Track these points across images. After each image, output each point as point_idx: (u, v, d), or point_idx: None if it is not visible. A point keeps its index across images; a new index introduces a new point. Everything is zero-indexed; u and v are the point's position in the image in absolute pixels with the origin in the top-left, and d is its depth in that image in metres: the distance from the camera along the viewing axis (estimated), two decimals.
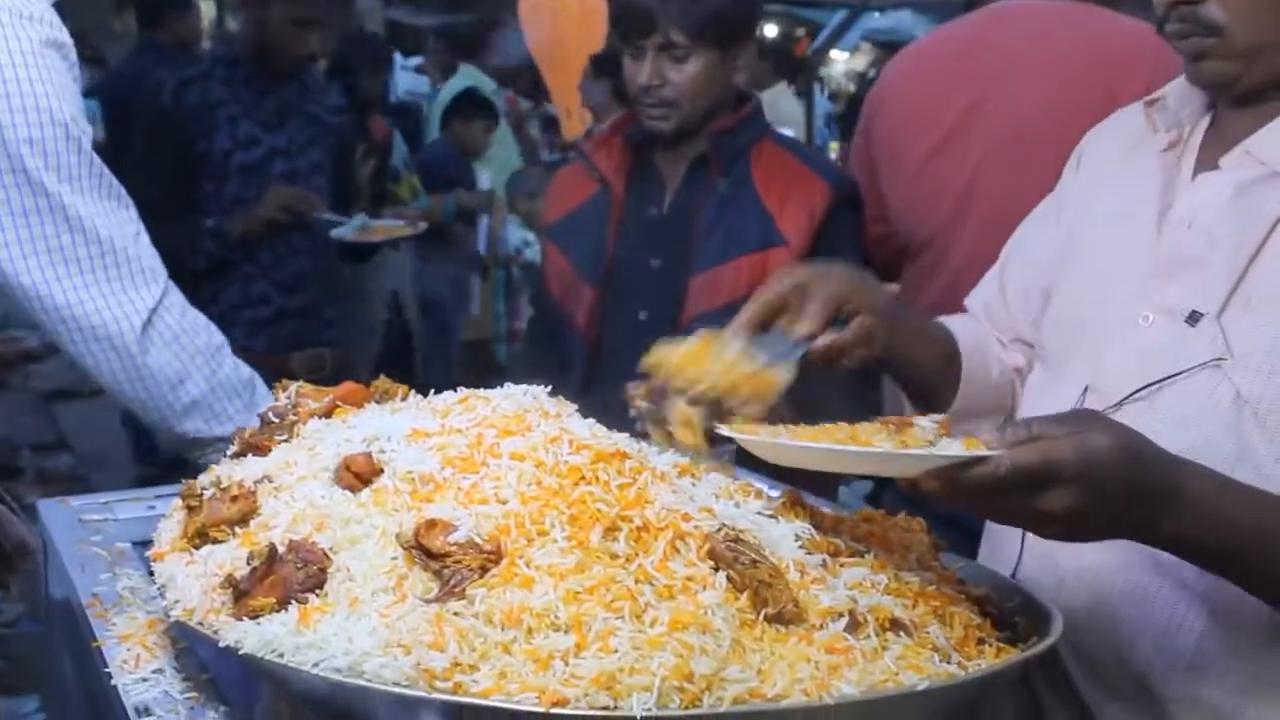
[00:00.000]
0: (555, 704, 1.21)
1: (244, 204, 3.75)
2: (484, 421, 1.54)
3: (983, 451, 1.34)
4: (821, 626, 1.36)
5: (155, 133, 3.86)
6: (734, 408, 1.63)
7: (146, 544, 1.81)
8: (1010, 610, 1.64)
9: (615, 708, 1.22)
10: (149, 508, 1.93)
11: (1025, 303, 1.95)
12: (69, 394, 6.33)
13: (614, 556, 1.35)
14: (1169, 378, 1.62)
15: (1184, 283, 1.66)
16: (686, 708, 1.23)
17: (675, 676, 1.23)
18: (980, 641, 1.50)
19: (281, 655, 1.30)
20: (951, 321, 2.02)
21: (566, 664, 1.25)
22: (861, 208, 2.85)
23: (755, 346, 1.69)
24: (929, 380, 1.92)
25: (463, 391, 1.66)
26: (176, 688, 1.45)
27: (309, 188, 3.85)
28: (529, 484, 1.42)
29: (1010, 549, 1.78)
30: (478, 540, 1.34)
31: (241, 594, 1.37)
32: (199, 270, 3.68)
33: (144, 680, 1.45)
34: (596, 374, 2.68)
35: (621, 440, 1.53)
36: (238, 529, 1.49)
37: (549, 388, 1.66)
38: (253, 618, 1.35)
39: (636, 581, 1.33)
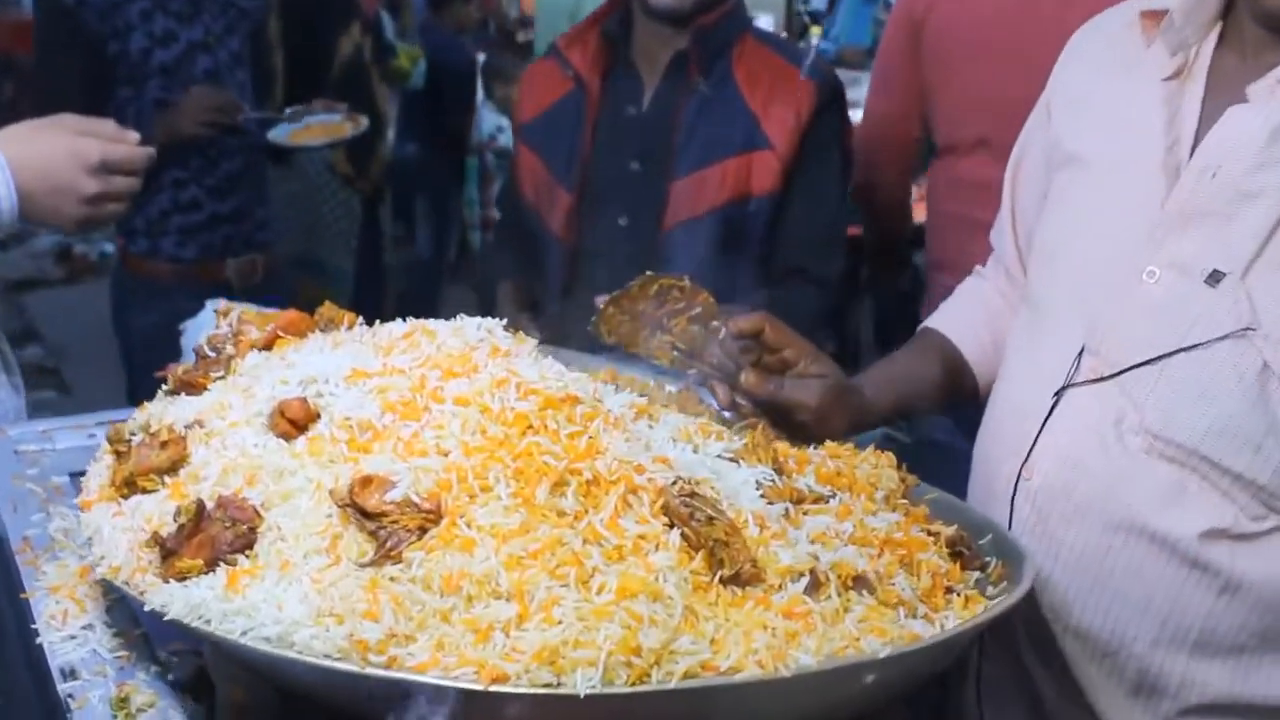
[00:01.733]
0: (494, 680, 1.14)
1: (166, 107, 3.49)
2: (428, 361, 1.44)
3: None
4: (781, 587, 1.28)
5: (60, 39, 3.55)
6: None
7: (83, 474, 1.73)
8: (982, 549, 1.57)
9: (558, 684, 1.14)
10: (89, 436, 1.84)
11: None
12: (36, 283, 6.19)
13: (561, 514, 1.26)
14: (1185, 349, 1.47)
15: (1202, 237, 1.48)
16: (634, 684, 1.15)
17: (622, 650, 1.15)
18: (948, 590, 1.43)
19: (209, 622, 1.22)
20: (949, 316, 1.91)
21: (508, 635, 1.16)
22: (845, 108, 2.71)
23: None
24: (934, 407, 1.88)
25: (409, 323, 1.56)
26: (106, 645, 1.37)
27: (232, 82, 3.60)
28: (473, 433, 1.33)
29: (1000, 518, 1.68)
30: (416, 499, 1.25)
31: (169, 553, 1.28)
32: None
33: (72, 638, 1.37)
34: (575, 282, 2.57)
35: (576, 383, 1.43)
36: (167, 478, 1.39)
37: (512, 319, 1.56)
38: (180, 579, 1.27)
39: (585, 542, 1.24)
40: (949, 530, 1.55)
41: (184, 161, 3.55)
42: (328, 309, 1.68)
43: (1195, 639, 1.52)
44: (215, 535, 1.27)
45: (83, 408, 2.07)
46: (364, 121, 3.84)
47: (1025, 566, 1.46)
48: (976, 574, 1.53)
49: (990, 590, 1.49)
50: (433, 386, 1.39)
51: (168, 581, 1.27)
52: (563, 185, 2.64)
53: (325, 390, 1.41)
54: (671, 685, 1.16)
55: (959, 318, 1.92)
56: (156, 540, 1.29)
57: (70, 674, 1.32)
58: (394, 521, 1.24)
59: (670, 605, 1.20)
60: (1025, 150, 1.84)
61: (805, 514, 1.42)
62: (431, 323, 1.55)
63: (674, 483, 1.31)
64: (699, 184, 2.55)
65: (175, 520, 1.30)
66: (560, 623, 1.16)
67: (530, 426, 1.34)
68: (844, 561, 1.33)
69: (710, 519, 1.29)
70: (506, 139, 4.81)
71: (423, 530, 1.24)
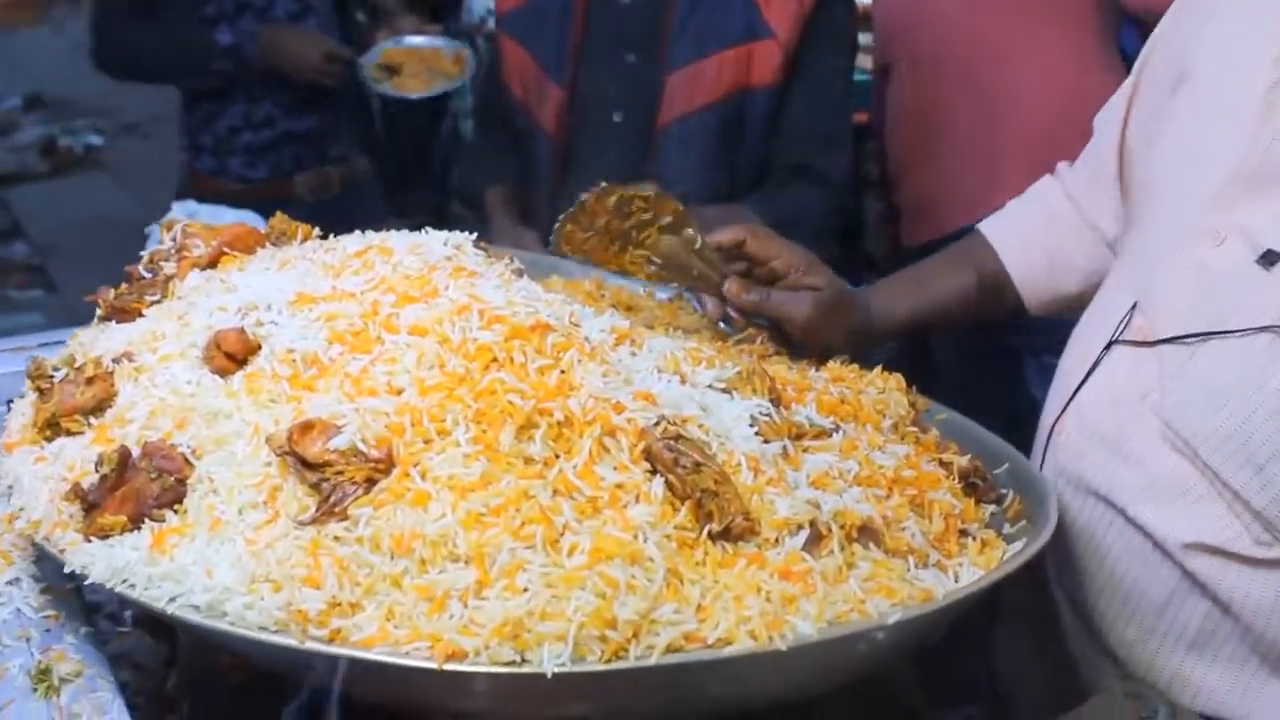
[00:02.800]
0: (450, 657, 0.99)
1: (252, 11, 3.15)
2: (382, 284, 1.27)
3: None
4: (777, 542, 1.13)
5: None
6: None
7: None
8: (998, 479, 1.42)
9: (522, 661, 1.00)
10: (29, 360, 1.67)
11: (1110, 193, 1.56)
12: (20, 177, 5.97)
13: (528, 462, 1.11)
14: (1220, 333, 1.26)
15: (1276, 205, 1.26)
16: (608, 660, 1.01)
17: (595, 623, 1.00)
18: (962, 533, 1.28)
19: (134, 587, 1.08)
20: (1009, 227, 1.68)
21: (465, 605, 1.02)
22: None
23: None
24: (956, 323, 1.70)
25: (365, 238, 1.39)
26: (33, 603, 1.23)
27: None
28: (429, 368, 1.16)
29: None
30: (363, 447, 1.10)
31: (90, 507, 1.13)
32: (202, 92, 3.20)
33: None
34: (567, 184, 2.38)
35: (549, 306, 1.26)
36: (93, 419, 1.24)
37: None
38: (102, 537, 1.12)
39: (555, 494, 1.09)
40: (962, 460, 1.40)
41: (263, 77, 3.22)
42: (279, 220, 1.51)
43: (1192, 639, 1.33)
44: (141, 487, 1.12)
45: (71, 308, 1.92)
46: (467, 57, 3.54)
47: (1048, 505, 1.31)
48: (992, 508, 1.38)
49: (1007, 529, 1.34)
50: (386, 314, 1.22)
51: (89, 539, 1.12)
52: (552, 79, 2.43)
53: (267, 318, 1.24)
54: (651, 662, 1.01)
55: (1014, 223, 1.70)
56: (77, 492, 1.14)
57: None
58: (338, 473, 1.08)
59: (651, 569, 1.05)
60: (1152, 51, 1.54)
61: (805, 452, 1.26)
62: (391, 237, 1.38)
63: (657, 423, 1.15)
64: (696, 76, 2.34)
65: (97, 470, 1.14)
66: (525, 591, 1.02)
67: (494, 360, 1.17)
68: (848, 509, 1.18)
69: (698, 465, 1.13)
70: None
71: (371, 482, 1.08)
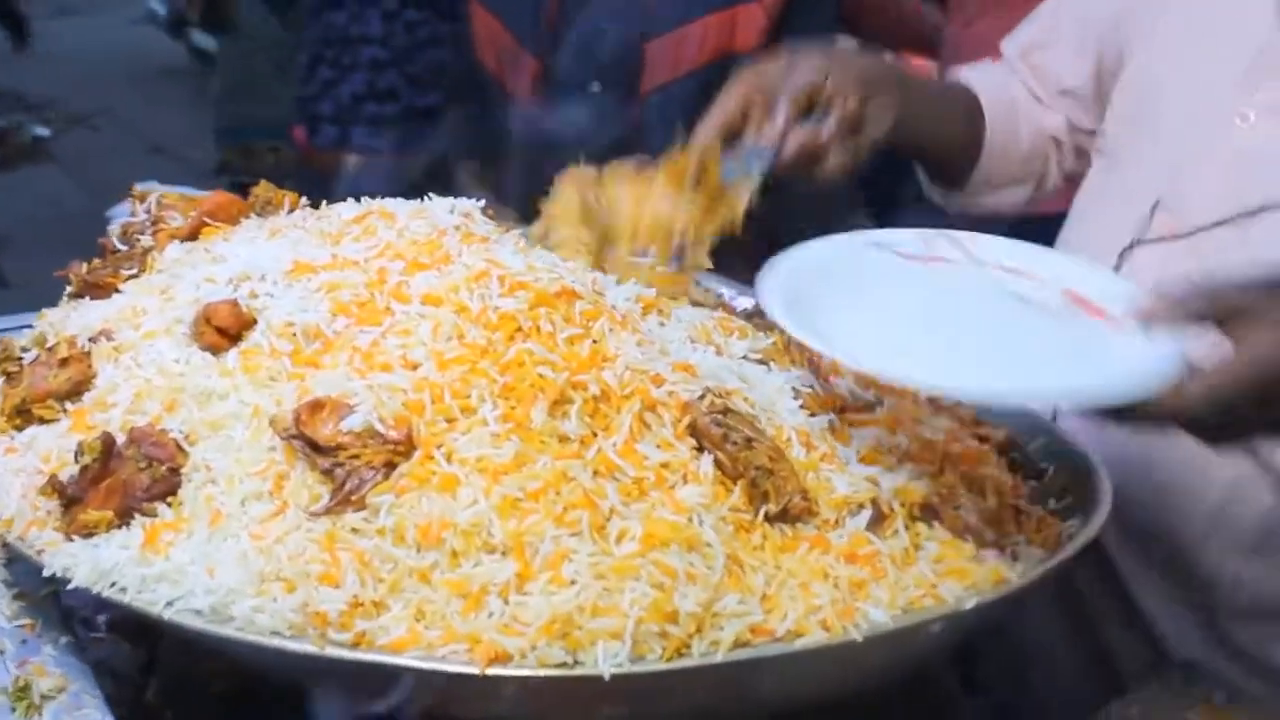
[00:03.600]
0: (493, 661, 0.87)
1: None
2: (387, 250, 1.14)
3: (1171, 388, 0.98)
4: (838, 523, 1.01)
5: None
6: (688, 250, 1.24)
7: None
8: (1033, 453, 1.31)
9: (575, 663, 0.88)
10: None
11: (1079, 52, 1.48)
12: None
13: (564, 440, 0.98)
14: (1271, 207, 1.21)
15: None
16: (670, 658, 0.89)
17: (654, 617, 0.88)
18: (1016, 511, 1.17)
19: (124, 590, 0.94)
20: (977, 74, 1.57)
21: (506, 602, 0.89)
22: None
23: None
24: (945, 154, 1.49)
25: (363, 205, 1.25)
26: (6, 611, 1.09)
27: None
28: (447, 340, 1.03)
29: None
30: (380, 428, 0.97)
31: (71, 502, 1.00)
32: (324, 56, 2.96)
33: None
34: (544, 157, 2.26)
35: (571, 273, 1.14)
36: (68, 405, 1.10)
37: (481, 198, 1.25)
38: (86, 535, 0.98)
39: (596, 476, 0.97)
40: (998, 434, 1.29)
41: (385, 39, 2.97)
42: (264, 188, 1.37)
43: (1252, 540, 1.29)
44: (128, 479, 0.98)
45: (28, 305, 1.76)
46: None
47: (1098, 483, 1.19)
48: (1033, 483, 1.28)
49: (1052, 504, 1.24)
50: (395, 282, 1.09)
51: (71, 538, 0.98)
52: (527, 49, 2.31)
53: (261, 290, 1.11)
54: (718, 658, 0.89)
55: (985, 74, 1.58)
56: (55, 486, 1.00)
57: None
58: (353, 457, 0.95)
59: (710, 555, 0.93)
60: None
61: (851, 426, 1.15)
62: (390, 203, 1.25)
63: (702, 396, 1.03)
64: (678, 43, 2.23)
65: (77, 460, 1.01)
66: (573, 583, 0.89)
67: (519, 330, 1.04)
68: (908, 487, 1.06)
69: (749, 441, 1.01)
70: None
71: (390, 467, 0.95)
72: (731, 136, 1.30)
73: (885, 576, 0.97)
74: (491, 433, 0.97)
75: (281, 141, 3.82)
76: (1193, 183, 1.30)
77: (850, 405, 1.18)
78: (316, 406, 0.97)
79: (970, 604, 0.98)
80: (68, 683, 1.01)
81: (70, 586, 0.96)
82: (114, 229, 1.35)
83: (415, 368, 1.01)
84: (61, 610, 1.11)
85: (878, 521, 1.03)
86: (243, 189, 1.37)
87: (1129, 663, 1.35)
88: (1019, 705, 1.43)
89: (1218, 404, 0.97)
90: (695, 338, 1.16)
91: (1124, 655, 1.36)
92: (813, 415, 1.11)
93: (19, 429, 1.11)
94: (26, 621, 1.08)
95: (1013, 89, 1.55)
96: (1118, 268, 1.33)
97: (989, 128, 1.50)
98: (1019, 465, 1.29)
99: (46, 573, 0.97)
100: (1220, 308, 0.99)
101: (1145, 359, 1.00)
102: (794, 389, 1.13)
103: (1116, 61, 1.43)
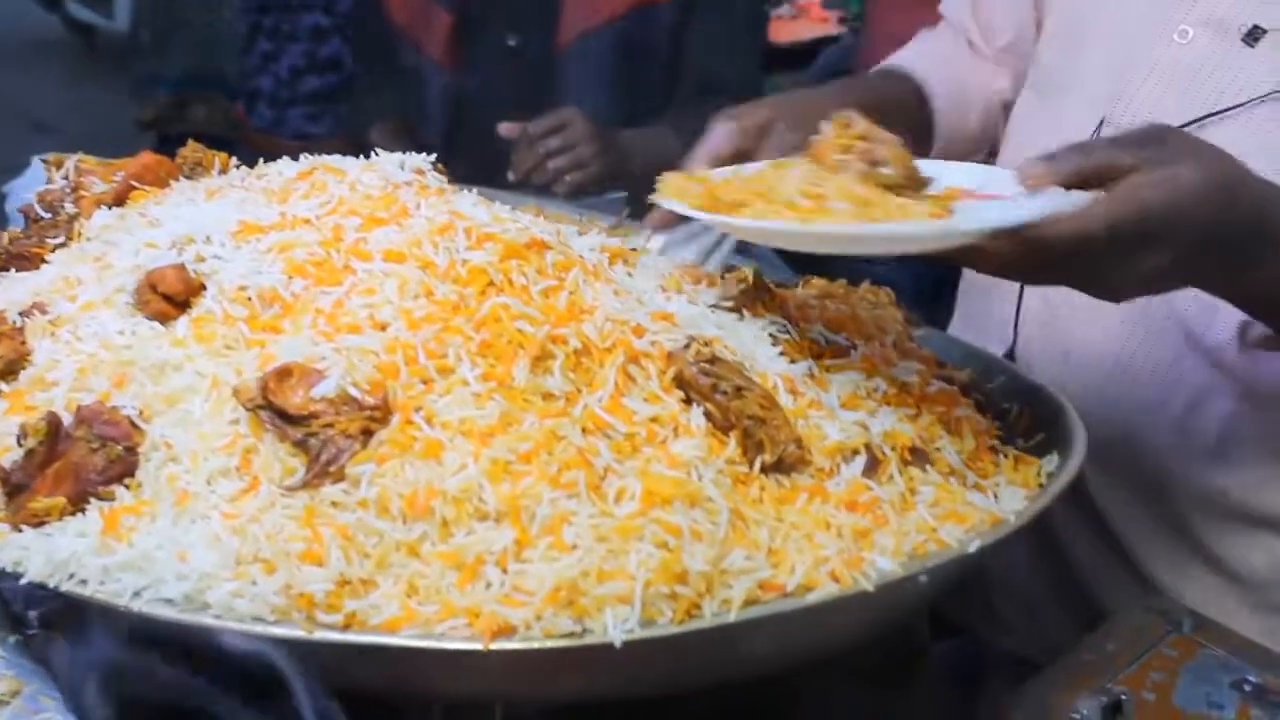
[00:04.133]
0: (498, 634, 0.81)
1: None
2: (341, 206, 1.06)
3: (1068, 204, 0.94)
4: (831, 471, 0.97)
5: None
6: None
7: None
8: (995, 393, 1.29)
9: (583, 632, 0.82)
10: None
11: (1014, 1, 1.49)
12: None
13: (548, 397, 0.93)
14: (1218, 113, 1.22)
15: None
16: (682, 621, 0.84)
17: (663, 578, 0.83)
18: (993, 451, 1.15)
19: (85, 582, 0.86)
20: (918, 55, 1.53)
21: (505, 571, 0.84)
22: None
23: (683, 239, 1.21)
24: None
25: (306, 161, 1.17)
26: None
27: None
28: (415, 297, 0.96)
29: (1002, 314, 1.40)
30: (355, 393, 0.90)
31: (16, 489, 0.91)
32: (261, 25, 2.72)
33: None
34: (462, 115, 2.16)
35: (534, 223, 1.07)
36: (3, 384, 1.00)
37: (429, 155, 1.18)
38: (36, 525, 0.90)
39: (584, 433, 0.91)
40: (961, 375, 1.26)
41: (328, 4, 2.69)
42: (191, 149, 1.28)
43: (1211, 448, 1.30)
44: (80, 461, 0.90)
45: None
46: None
47: (1069, 419, 1.17)
48: (999, 423, 1.25)
49: (1020, 442, 1.21)
50: (352, 239, 1.02)
51: (19, 529, 0.90)
52: (439, 3, 2.21)
53: (208, 252, 1.02)
54: (731, 618, 0.84)
55: (927, 52, 1.56)
56: None
57: None
58: (327, 425, 0.88)
59: (713, 510, 0.88)
60: None
61: (829, 371, 1.11)
62: (336, 159, 1.17)
63: (686, 345, 0.98)
64: None
65: (20, 444, 0.92)
66: (575, 547, 0.84)
67: (490, 283, 0.98)
68: (896, 430, 1.03)
69: (739, 389, 0.96)
70: None
71: (367, 434, 0.89)
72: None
73: (887, 524, 0.94)
74: (473, 392, 0.90)
75: (215, 93, 3.61)
76: (1136, 101, 1.30)
77: (825, 350, 1.13)
78: (284, 374, 0.90)
79: (974, 547, 0.95)
80: (21, 685, 0.93)
81: (23, 580, 0.87)
82: (30, 197, 1.25)
83: (384, 328, 0.94)
84: (5, 606, 1.02)
85: (872, 468, 0.99)
86: (172, 146, 1.28)
87: (1104, 589, 1.34)
88: (991, 643, 1.42)
89: (1094, 235, 0.93)
90: (666, 286, 1.11)
91: (1099, 581, 1.35)
92: (792, 362, 1.07)
93: None
94: None
95: (959, 63, 1.51)
96: None
97: (937, 115, 1.47)
98: (983, 406, 1.26)
99: None
100: (1097, 160, 0.95)
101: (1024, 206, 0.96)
102: (771, 335, 1.09)
103: None
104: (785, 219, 0.96)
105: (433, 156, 1.16)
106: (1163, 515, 1.32)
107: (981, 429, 1.14)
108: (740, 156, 1.21)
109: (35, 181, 2.09)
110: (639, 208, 1.50)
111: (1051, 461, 1.12)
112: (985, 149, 1.51)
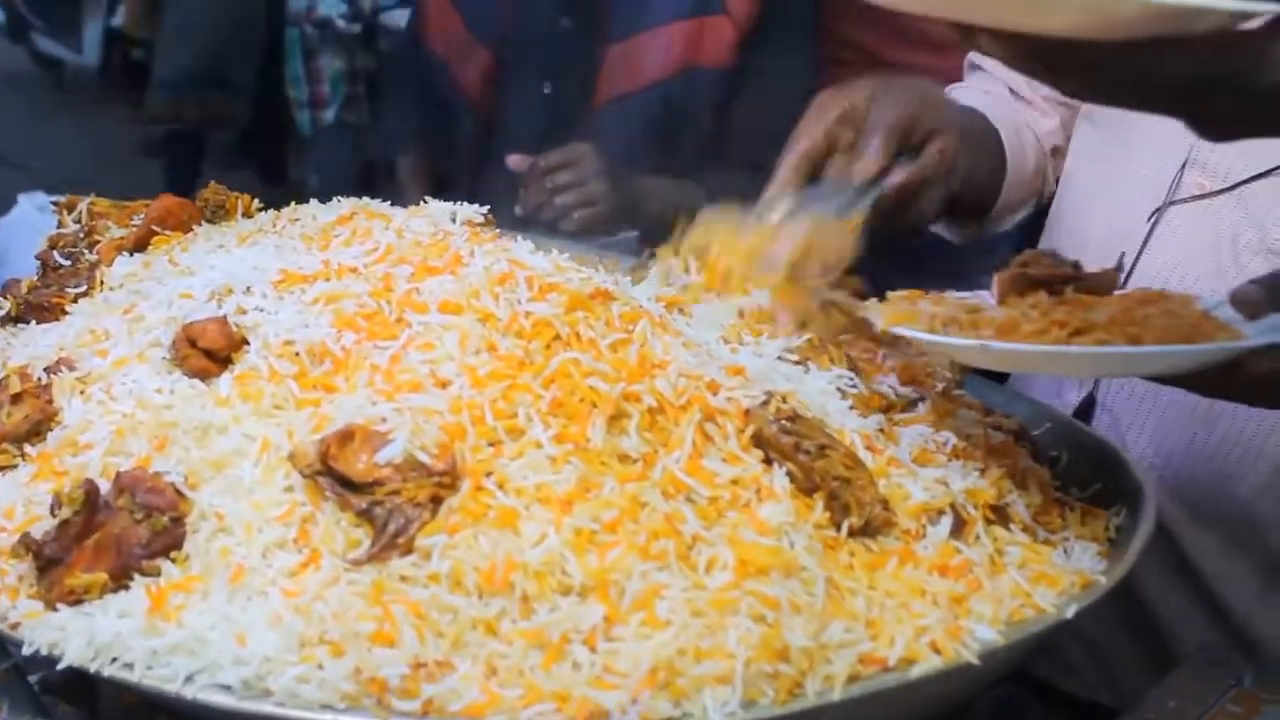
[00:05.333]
0: (589, 719, 0.74)
1: None
2: (389, 254, 0.99)
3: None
4: (918, 533, 0.91)
5: None
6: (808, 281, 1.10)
7: None
8: (1042, 440, 1.23)
9: (682, 717, 0.75)
10: None
11: None
12: None
13: (624, 459, 0.86)
14: None
15: None
16: (785, 702, 0.77)
17: (764, 656, 0.77)
18: (1057, 503, 1.09)
19: (131, 666, 0.78)
20: (975, 95, 1.45)
21: (594, 650, 0.77)
22: None
23: (806, 204, 1.15)
24: (982, 189, 1.37)
25: (346, 204, 1.10)
26: None
27: None
28: (478, 352, 0.90)
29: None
30: (422, 457, 0.83)
31: (50, 563, 0.83)
32: None
33: None
34: (489, 157, 2.08)
35: (594, 272, 1.01)
36: (28, 448, 0.92)
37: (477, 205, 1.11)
38: (73, 602, 0.82)
39: (666, 498, 0.84)
40: (1010, 423, 1.20)
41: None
42: (213, 190, 1.21)
43: None
44: (122, 533, 0.82)
45: None
46: None
47: (1129, 468, 1.12)
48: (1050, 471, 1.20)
49: (1075, 492, 1.16)
50: (404, 290, 0.95)
51: (54, 607, 0.82)
52: (479, 39, 2.12)
53: (249, 304, 0.95)
54: (835, 696, 0.78)
55: (981, 96, 1.47)
56: (29, 545, 0.83)
57: None
58: (393, 493, 0.81)
59: (809, 580, 0.81)
60: None
61: (896, 424, 1.05)
62: (375, 204, 1.10)
63: (765, 402, 0.92)
64: (638, 50, 2.04)
65: (54, 514, 0.84)
66: (669, 624, 0.77)
67: (557, 337, 0.91)
68: (976, 488, 0.97)
69: (822, 449, 0.90)
70: (326, 8, 4.16)
71: (436, 502, 0.81)
72: (815, 166, 1.19)
73: (981, 589, 0.88)
74: (548, 456, 0.83)
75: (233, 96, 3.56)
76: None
77: (894, 404, 1.08)
78: (345, 437, 0.83)
79: (1071, 612, 0.89)
80: None
81: (63, 665, 0.79)
82: (41, 244, 1.17)
83: (445, 385, 0.88)
84: (28, 688, 0.93)
85: (958, 528, 0.93)
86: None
87: (1177, 627, 1.28)
88: (1051, 684, 1.35)
89: None
90: (728, 338, 1.05)
91: (1172, 619, 1.28)
92: (863, 416, 1.01)
93: None
94: None
95: (1008, 107, 1.46)
96: (1150, 231, 1.26)
97: (1009, 157, 1.42)
98: (1035, 456, 1.21)
99: (28, 650, 0.80)
100: None
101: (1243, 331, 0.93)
102: (839, 389, 1.03)
103: None
104: (1076, 343, 0.91)
105: (485, 208, 1.09)
106: (1256, 556, 1.26)
107: (1047, 482, 1.09)
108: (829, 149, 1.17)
109: (22, 220, 2.02)
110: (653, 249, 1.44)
111: (1119, 514, 1.07)
112: (1036, 194, 1.45)
